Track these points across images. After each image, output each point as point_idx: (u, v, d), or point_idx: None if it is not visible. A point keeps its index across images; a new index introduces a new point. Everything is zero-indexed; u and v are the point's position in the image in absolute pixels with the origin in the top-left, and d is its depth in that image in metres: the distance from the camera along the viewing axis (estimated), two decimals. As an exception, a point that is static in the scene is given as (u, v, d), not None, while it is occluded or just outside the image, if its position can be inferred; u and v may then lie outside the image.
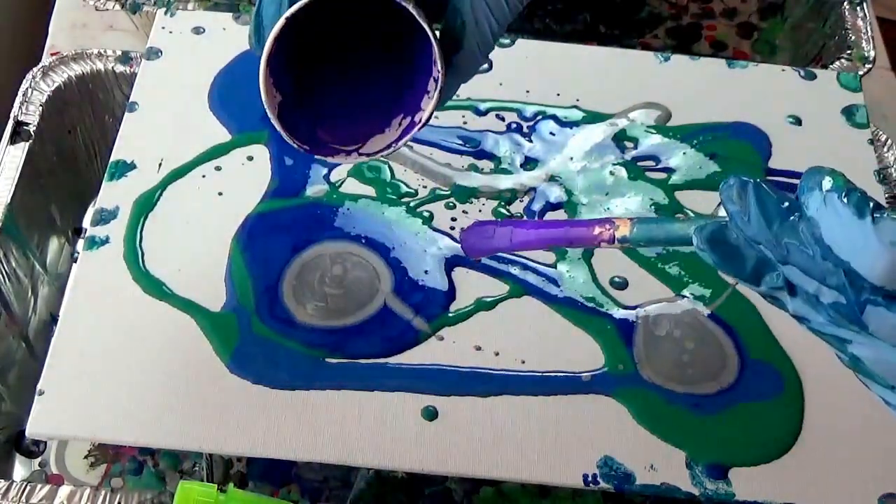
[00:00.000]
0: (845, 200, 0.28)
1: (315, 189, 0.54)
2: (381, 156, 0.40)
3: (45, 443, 0.55)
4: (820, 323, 0.31)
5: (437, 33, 0.36)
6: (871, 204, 0.28)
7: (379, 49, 0.41)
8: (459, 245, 0.52)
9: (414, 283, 0.50)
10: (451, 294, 0.50)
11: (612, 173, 0.56)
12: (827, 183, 0.29)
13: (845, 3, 0.69)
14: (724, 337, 0.50)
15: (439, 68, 0.37)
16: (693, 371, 0.48)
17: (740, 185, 0.31)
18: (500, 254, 0.51)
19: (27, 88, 0.60)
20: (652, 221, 0.36)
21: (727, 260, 0.32)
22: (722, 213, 0.54)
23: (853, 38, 0.68)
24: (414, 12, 0.35)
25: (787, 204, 0.31)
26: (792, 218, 0.30)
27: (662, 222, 0.35)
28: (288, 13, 0.35)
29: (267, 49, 0.35)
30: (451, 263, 0.51)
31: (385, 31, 0.40)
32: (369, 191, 0.54)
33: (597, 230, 0.37)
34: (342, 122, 0.41)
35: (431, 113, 0.38)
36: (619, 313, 0.50)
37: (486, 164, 0.56)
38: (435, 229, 0.53)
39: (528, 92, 0.59)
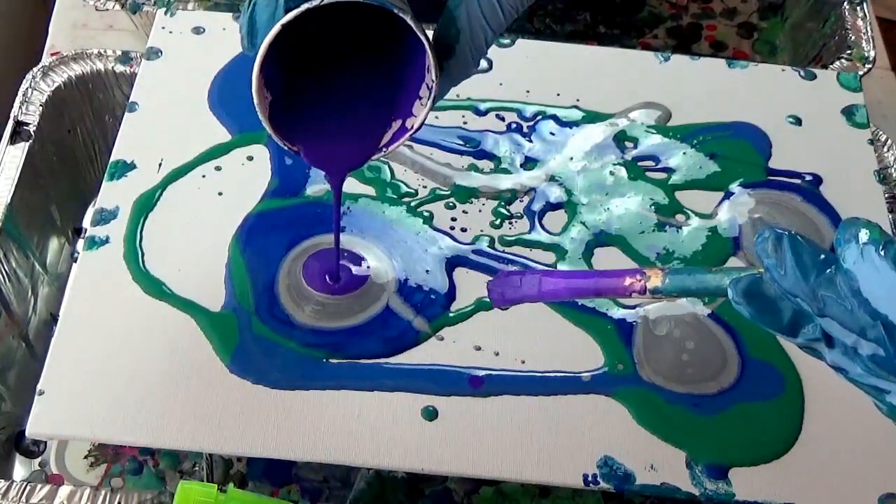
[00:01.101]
0: (882, 253, 0.28)
1: (315, 188, 0.54)
2: (374, 158, 0.40)
3: (45, 443, 0.55)
4: (858, 374, 0.31)
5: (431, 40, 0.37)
6: None
7: (370, 50, 0.41)
8: (457, 244, 0.52)
9: (416, 284, 0.50)
10: (451, 294, 0.50)
11: (612, 173, 0.56)
12: (864, 236, 0.29)
13: (845, 3, 0.69)
14: (725, 336, 0.50)
15: (433, 76, 0.37)
16: (693, 371, 0.48)
17: (776, 238, 0.31)
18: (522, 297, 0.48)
19: (27, 88, 0.60)
20: (684, 272, 0.36)
21: (763, 313, 0.32)
22: (722, 213, 0.54)
23: (853, 38, 0.68)
24: (412, 24, 0.35)
25: (823, 256, 0.31)
26: (829, 271, 0.30)
27: (695, 273, 0.35)
28: (283, 20, 0.35)
29: (261, 56, 0.35)
30: (451, 263, 0.52)
31: (376, 32, 0.40)
32: (369, 191, 0.54)
33: (628, 281, 0.37)
34: (333, 124, 0.41)
35: (424, 119, 0.38)
36: (618, 313, 0.50)
37: (486, 164, 0.56)
38: (435, 229, 0.53)
39: (528, 92, 0.59)
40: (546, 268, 0.52)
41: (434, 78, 0.37)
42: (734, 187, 0.56)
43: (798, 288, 0.30)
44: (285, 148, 0.40)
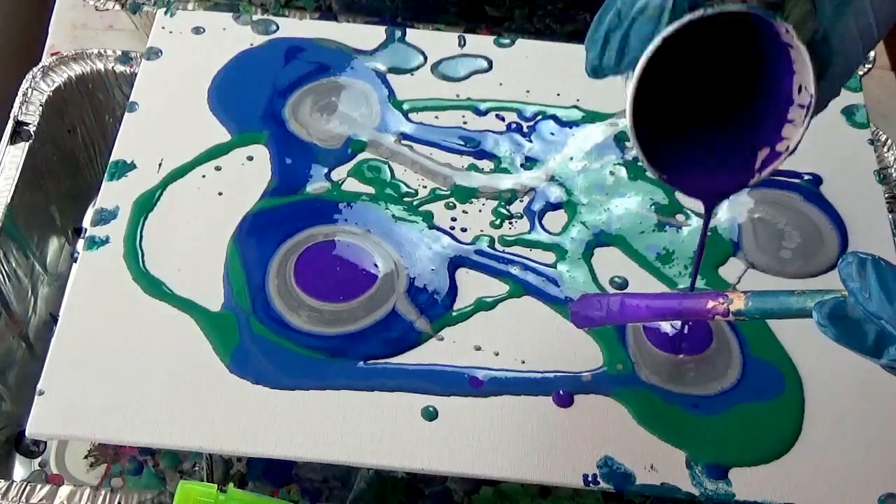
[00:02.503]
0: None
1: (316, 186, 0.54)
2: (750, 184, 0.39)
3: (45, 443, 0.55)
4: None
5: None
6: None
7: (719, 70, 0.39)
8: (459, 244, 0.52)
9: (422, 283, 0.50)
10: (453, 294, 0.50)
11: (612, 173, 0.56)
12: None
13: (845, 3, 0.69)
14: (732, 336, 0.49)
15: (811, 93, 0.36)
16: (695, 374, 0.48)
17: (859, 263, 0.32)
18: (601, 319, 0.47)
19: (27, 88, 0.60)
20: (767, 295, 0.36)
21: (848, 335, 0.32)
22: (722, 212, 0.54)
23: (853, 38, 0.67)
24: (801, 48, 0.34)
25: None
26: None
27: (778, 296, 0.36)
28: (667, 31, 0.33)
29: (641, 66, 0.34)
30: (454, 263, 0.51)
31: (727, 50, 0.38)
32: (369, 191, 0.54)
33: (710, 304, 0.38)
34: (697, 149, 0.40)
35: (800, 139, 0.37)
36: None
37: (486, 164, 0.56)
38: (437, 228, 0.53)
39: (528, 92, 0.59)
40: (547, 268, 0.52)
41: (812, 95, 0.36)
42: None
43: (883, 311, 0.31)
44: (654, 176, 0.38)
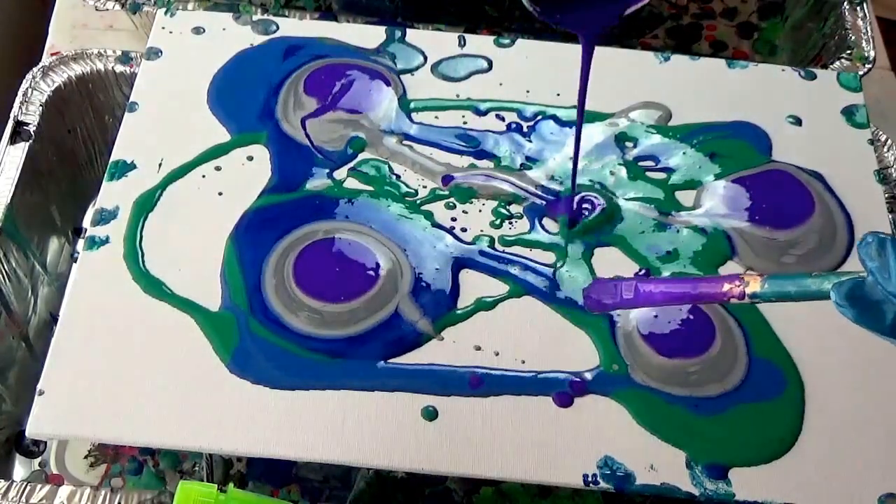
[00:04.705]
0: None
1: (316, 183, 0.54)
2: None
3: (45, 443, 0.55)
4: None
5: None
6: None
7: None
8: (462, 244, 0.52)
9: (426, 283, 0.50)
10: (455, 294, 0.50)
11: (612, 173, 0.56)
12: None
13: (845, 3, 0.69)
14: (739, 336, 0.49)
15: None
16: (698, 376, 0.48)
17: (879, 243, 0.32)
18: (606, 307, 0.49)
19: (27, 88, 0.60)
20: (784, 278, 0.36)
21: (866, 315, 0.32)
22: (706, 205, 0.54)
23: (853, 38, 0.68)
24: None
25: None
26: None
27: (795, 278, 0.35)
28: None
29: None
30: (458, 264, 0.51)
31: None
32: (369, 190, 0.54)
33: (726, 286, 0.38)
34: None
35: None
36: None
37: (486, 164, 0.56)
38: (440, 226, 0.53)
39: (528, 92, 0.59)
40: (547, 268, 0.52)
41: None
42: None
43: None
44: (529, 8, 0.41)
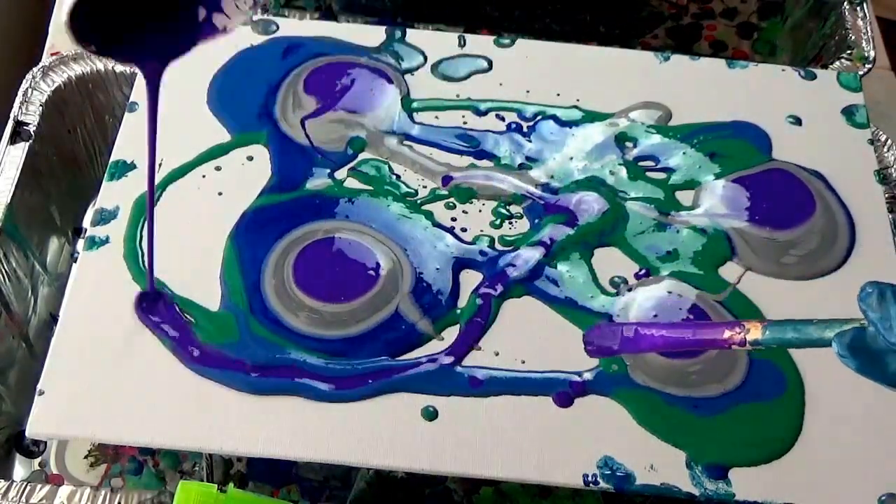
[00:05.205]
0: None
1: (316, 182, 0.54)
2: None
3: (45, 443, 0.55)
4: None
5: None
6: None
7: None
8: (463, 244, 0.52)
9: (427, 283, 0.50)
10: (455, 294, 0.50)
11: (612, 173, 0.56)
12: None
13: (845, 3, 0.69)
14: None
15: None
16: (698, 377, 0.48)
17: (879, 293, 0.32)
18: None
19: (27, 88, 0.60)
20: (785, 325, 0.36)
21: (869, 366, 0.32)
22: (704, 204, 0.54)
23: (853, 38, 0.68)
24: None
25: None
26: None
27: (797, 325, 0.36)
28: None
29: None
30: (459, 264, 0.51)
31: None
32: (369, 190, 0.54)
33: (727, 333, 0.38)
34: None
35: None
36: (599, 304, 0.50)
37: (486, 164, 0.56)
38: (440, 226, 0.53)
39: (528, 92, 0.59)
40: (546, 268, 0.51)
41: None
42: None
43: None
44: (81, 49, 0.39)
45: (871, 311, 0.32)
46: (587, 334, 0.47)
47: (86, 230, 0.58)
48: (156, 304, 0.48)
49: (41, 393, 0.46)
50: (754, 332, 0.37)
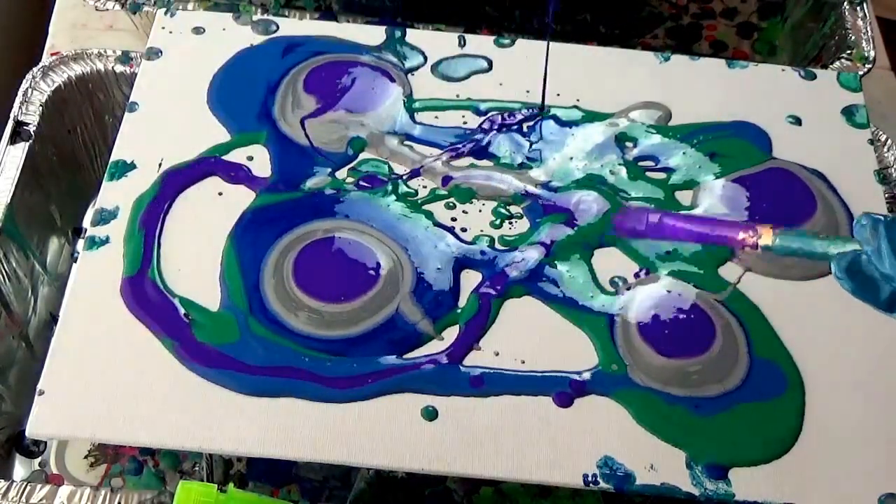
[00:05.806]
0: None
1: (316, 181, 0.54)
2: None
3: (45, 443, 0.55)
4: None
5: None
6: None
7: None
8: (463, 243, 0.52)
9: (428, 283, 0.50)
10: (456, 294, 0.50)
11: (612, 173, 0.56)
12: None
13: (845, 3, 0.69)
14: (741, 335, 0.49)
15: None
16: (698, 377, 0.48)
17: (872, 225, 0.33)
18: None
19: (27, 88, 0.60)
20: (794, 235, 0.37)
21: (863, 289, 0.33)
22: (703, 204, 0.54)
23: (853, 38, 0.68)
24: None
25: None
26: None
27: (803, 236, 0.37)
28: None
29: None
30: (459, 264, 0.51)
31: None
32: (370, 189, 0.54)
33: (741, 235, 0.42)
34: None
35: None
36: (599, 304, 0.50)
37: (486, 164, 0.56)
38: (441, 226, 0.53)
39: (528, 92, 0.59)
40: (546, 268, 0.51)
41: None
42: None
43: (894, 271, 0.32)
44: None
45: (864, 242, 0.33)
46: (616, 216, 0.50)
47: (86, 230, 0.58)
48: (143, 288, 0.48)
49: (41, 393, 0.46)
50: (766, 237, 0.40)
